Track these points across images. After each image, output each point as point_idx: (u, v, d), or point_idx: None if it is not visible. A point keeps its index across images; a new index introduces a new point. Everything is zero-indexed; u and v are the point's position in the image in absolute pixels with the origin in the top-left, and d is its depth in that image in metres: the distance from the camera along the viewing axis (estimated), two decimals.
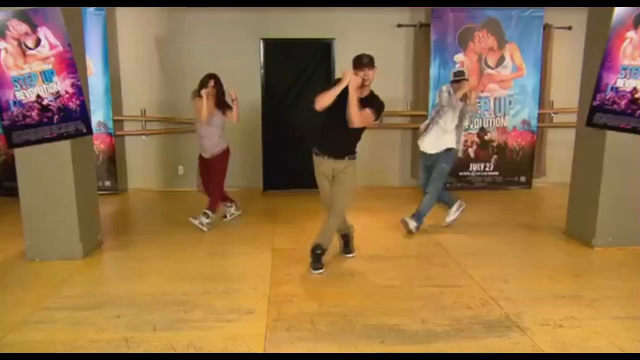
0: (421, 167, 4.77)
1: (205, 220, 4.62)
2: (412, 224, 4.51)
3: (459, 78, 4.45)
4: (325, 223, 3.70)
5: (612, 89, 3.88)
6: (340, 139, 3.60)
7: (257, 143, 6.43)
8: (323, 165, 3.68)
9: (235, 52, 6.19)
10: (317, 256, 3.66)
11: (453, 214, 4.76)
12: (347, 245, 4.00)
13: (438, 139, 4.50)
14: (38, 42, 3.59)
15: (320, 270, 3.62)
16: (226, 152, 4.75)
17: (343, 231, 3.97)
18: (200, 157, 4.79)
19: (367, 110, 3.47)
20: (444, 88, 4.50)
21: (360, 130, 3.59)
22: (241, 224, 4.89)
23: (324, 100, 3.42)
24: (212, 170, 4.74)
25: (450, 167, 4.62)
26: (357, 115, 3.42)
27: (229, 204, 5.04)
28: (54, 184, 3.80)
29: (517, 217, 5.17)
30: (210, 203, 4.71)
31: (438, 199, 4.70)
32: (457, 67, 4.65)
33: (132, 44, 6.29)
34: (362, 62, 3.44)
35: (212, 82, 4.52)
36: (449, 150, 4.50)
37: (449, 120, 4.44)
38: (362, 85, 3.44)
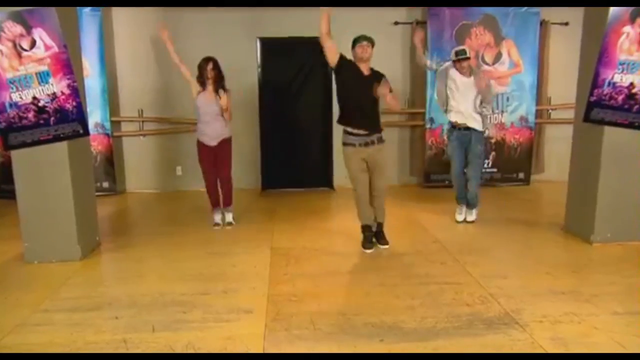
0: (454, 148, 4.67)
1: (232, 216, 4.81)
2: (473, 216, 4.76)
3: (461, 57, 4.41)
4: (380, 199, 4.03)
5: (609, 84, 3.88)
6: (367, 114, 3.82)
7: (255, 142, 6.42)
8: (358, 151, 3.85)
9: (232, 51, 6.17)
10: (382, 232, 4.12)
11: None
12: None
13: (470, 114, 4.51)
14: (33, 44, 3.58)
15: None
16: (231, 140, 4.69)
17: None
18: (205, 148, 4.60)
19: (385, 86, 3.75)
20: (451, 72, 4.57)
21: (377, 104, 3.84)
22: (240, 223, 4.88)
23: (328, 52, 3.78)
24: (221, 158, 4.63)
25: (484, 148, 4.74)
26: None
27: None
28: (52, 185, 3.79)
29: (516, 213, 5.17)
30: (229, 198, 4.76)
31: (459, 190, 4.77)
32: (459, 46, 4.61)
33: (128, 44, 6.28)
34: (364, 37, 3.77)
35: (210, 65, 4.43)
36: (480, 132, 4.56)
37: (464, 102, 4.49)
38: (362, 61, 3.76)
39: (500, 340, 2.60)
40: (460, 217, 4.82)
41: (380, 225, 4.11)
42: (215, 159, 4.63)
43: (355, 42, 3.79)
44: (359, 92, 3.77)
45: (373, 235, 4.08)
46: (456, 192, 4.82)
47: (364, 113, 3.82)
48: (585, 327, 2.72)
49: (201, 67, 4.46)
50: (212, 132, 4.56)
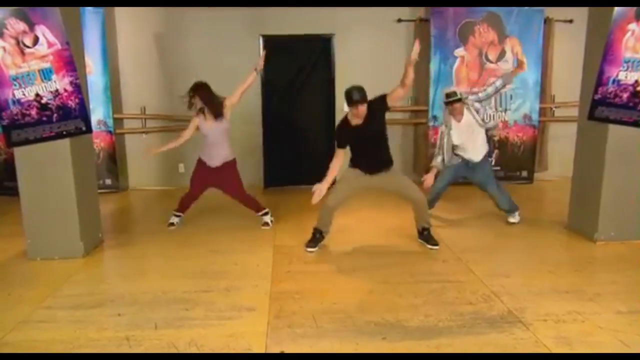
0: (448, 169, 4.60)
1: (268, 218, 4.76)
2: (514, 219, 4.72)
3: (451, 100, 4.33)
4: (421, 209, 4.07)
5: (614, 82, 3.86)
6: (371, 156, 3.88)
7: (257, 140, 6.41)
8: (360, 179, 3.93)
9: (235, 48, 6.17)
10: (430, 235, 4.12)
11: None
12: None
13: (475, 148, 4.49)
14: (36, 41, 3.57)
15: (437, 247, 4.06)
16: (235, 162, 4.58)
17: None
18: (204, 167, 4.49)
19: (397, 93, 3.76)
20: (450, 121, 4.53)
21: (384, 139, 3.88)
22: (242, 221, 4.87)
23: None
24: (229, 181, 4.53)
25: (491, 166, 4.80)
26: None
27: (179, 214, 4.74)
28: (54, 182, 3.79)
29: (519, 212, 5.14)
30: (254, 207, 4.71)
31: (434, 197, 4.71)
32: (449, 88, 4.54)
33: (131, 41, 6.27)
34: (353, 99, 3.61)
35: (196, 97, 4.29)
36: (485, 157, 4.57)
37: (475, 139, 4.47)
38: (358, 117, 3.70)
39: (503, 339, 2.59)
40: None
41: (427, 230, 4.11)
42: (212, 180, 4.52)
43: (348, 100, 3.63)
44: (361, 144, 3.82)
45: (322, 238, 4.08)
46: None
47: (369, 157, 3.88)
48: (588, 326, 2.71)
49: (190, 95, 4.33)
50: (216, 154, 4.46)
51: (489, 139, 4.73)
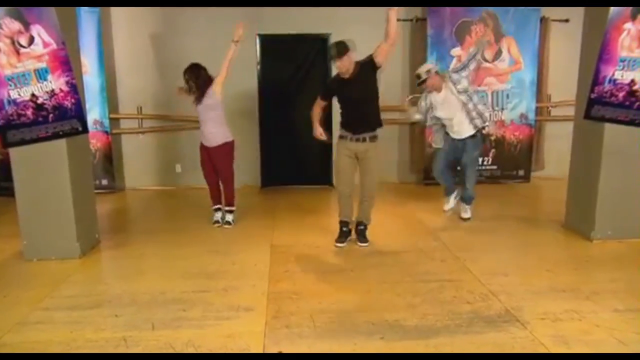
0: (443, 150, 4.68)
1: (231, 217, 4.75)
2: (467, 214, 4.77)
3: (419, 82, 4.44)
4: (367, 203, 4.08)
5: (610, 81, 3.87)
6: (358, 114, 3.89)
7: (254, 139, 6.41)
8: (348, 146, 3.94)
9: None
10: (364, 233, 4.14)
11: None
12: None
13: (460, 121, 4.50)
14: (31, 40, 3.55)
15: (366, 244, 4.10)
16: (232, 145, 4.62)
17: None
18: (204, 150, 4.61)
19: (381, 49, 3.76)
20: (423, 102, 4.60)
21: (373, 99, 3.89)
22: (239, 221, 4.87)
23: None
24: (220, 162, 4.58)
25: (479, 150, 4.77)
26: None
27: (216, 207, 4.82)
28: (50, 183, 3.77)
29: (516, 211, 5.16)
30: (229, 198, 4.73)
31: (448, 183, 4.80)
32: (418, 69, 4.62)
33: (127, 41, 6.25)
34: (333, 52, 3.70)
35: (186, 77, 4.43)
36: (473, 135, 4.55)
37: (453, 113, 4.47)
38: (344, 72, 3.76)
39: (501, 337, 2.60)
40: (447, 207, 4.83)
41: (363, 226, 4.13)
42: (213, 161, 4.59)
43: (331, 57, 3.78)
44: (347, 99, 3.88)
45: (349, 231, 4.15)
46: (444, 186, 4.83)
47: (356, 115, 3.88)
48: (586, 325, 2.72)
49: (184, 78, 4.47)
50: (208, 132, 4.52)
51: (485, 137, 4.74)
